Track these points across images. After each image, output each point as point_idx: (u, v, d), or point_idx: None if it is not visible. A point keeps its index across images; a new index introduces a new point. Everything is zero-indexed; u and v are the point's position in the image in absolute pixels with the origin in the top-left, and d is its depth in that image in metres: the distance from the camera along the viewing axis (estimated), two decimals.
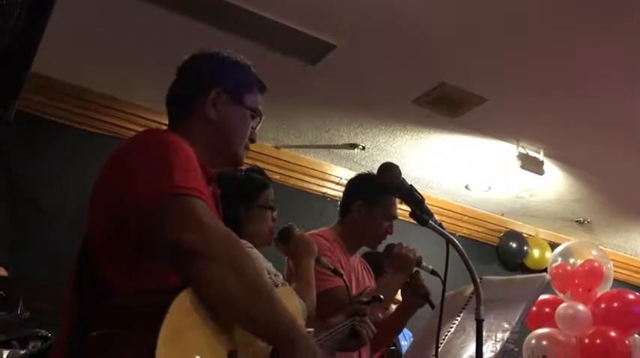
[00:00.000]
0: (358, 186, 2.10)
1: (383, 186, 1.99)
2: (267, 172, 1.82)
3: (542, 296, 3.24)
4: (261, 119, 1.29)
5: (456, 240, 1.38)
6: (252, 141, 1.28)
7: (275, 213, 1.68)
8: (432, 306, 1.87)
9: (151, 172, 0.99)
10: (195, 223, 0.93)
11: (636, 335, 3.10)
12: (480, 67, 3.32)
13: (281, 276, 1.60)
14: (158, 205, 0.93)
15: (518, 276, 2.03)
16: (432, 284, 1.87)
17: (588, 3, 2.77)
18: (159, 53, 3.16)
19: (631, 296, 3.15)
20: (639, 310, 3.12)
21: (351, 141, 4.21)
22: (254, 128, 1.28)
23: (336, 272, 1.73)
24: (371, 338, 1.55)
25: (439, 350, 1.64)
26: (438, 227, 1.36)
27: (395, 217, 2.05)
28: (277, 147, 4.35)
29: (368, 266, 2.16)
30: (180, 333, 0.87)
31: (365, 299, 1.56)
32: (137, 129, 2.57)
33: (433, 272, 1.85)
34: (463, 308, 1.66)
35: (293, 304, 1.27)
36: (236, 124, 1.23)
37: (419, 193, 1.39)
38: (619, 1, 2.73)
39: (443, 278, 1.51)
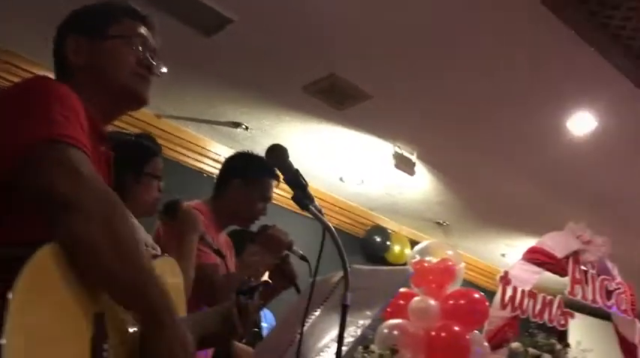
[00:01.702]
0: (239, 163, 2.09)
1: (269, 166, 2.03)
2: None
3: (400, 290, 3.43)
4: (145, 39, 1.20)
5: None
6: (146, 63, 1.18)
7: (162, 184, 1.61)
8: (298, 290, 1.90)
9: (28, 116, 0.91)
10: (70, 173, 0.86)
11: (476, 331, 3.38)
12: (371, 65, 3.43)
13: (159, 250, 1.54)
14: (32, 150, 0.86)
15: (385, 267, 2.13)
16: (301, 270, 1.90)
17: (472, 18, 2.96)
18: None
19: (476, 296, 3.43)
20: (482, 308, 3.41)
21: (236, 120, 4.17)
22: (142, 50, 1.18)
23: (218, 254, 1.70)
24: (243, 335, 1.45)
25: (303, 331, 1.68)
26: (318, 213, 1.40)
27: (270, 199, 2.06)
28: (158, 116, 4.21)
29: (232, 244, 2.15)
30: (38, 290, 0.80)
31: (253, 284, 1.47)
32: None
33: (303, 258, 1.88)
34: (330, 294, 1.72)
35: (174, 280, 1.21)
36: (106, 59, 1.14)
37: (303, 178, 1.42)
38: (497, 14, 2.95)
39: (315, 263, 1.54)
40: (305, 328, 1.72)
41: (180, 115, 4.22)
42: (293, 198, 1.40)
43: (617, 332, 4.33)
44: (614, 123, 3.71)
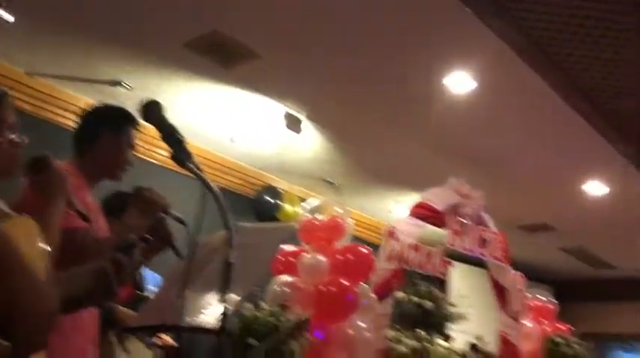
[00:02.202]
0: (102, 115, 2.03)
1: (129, 114, 1.98)
2: (16, 102, 1.59)
3: (289, 247, 3.48)
4: None
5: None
6: None
7: (19, 139, 1.42)
8: (177, 253, 1.86)
9: None
10: None
11: (363, 284, 3.51)
12: (255, 21, 3.37)
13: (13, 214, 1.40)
14: None
15: (270, 224, 2.14)
16: (184, 233, 1.85)
17: None
18: None
19: (364, 250, 3.55)
20: (369, 262, 3.54)
21: (117, 79, 3.98)
22: None
23: (85, 218, 1.62)
24: (115, 291, 1.31)
25: (187, 292, 1.66)
26: (196, 169, 1.37)
27: (134, 147, 2.04)
28: (30, 74, 3.92)
29: (102, 207, 2.08)
30: None
31: (131, 241, 1.37)
32: None
33: (179, 220, 1.84)
34: (214, 253, 1.71)
35: (30, 241, 1.08)
36: None
37: (180, 133, 1.38)
38: None
39: (196, 222, 1.51)
40: (189, 288, 1.70)
41: (55, 73, 3.95)
42: (171, 156, 1.36)
43: (492, 278, 4.65)
44: (491, 83, 3.91)
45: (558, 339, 4.41)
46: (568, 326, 4.83)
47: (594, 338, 6.35)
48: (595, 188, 5.32)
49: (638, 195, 5.30)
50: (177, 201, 2.01)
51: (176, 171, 1.74)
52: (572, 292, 7.94)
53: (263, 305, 2.98)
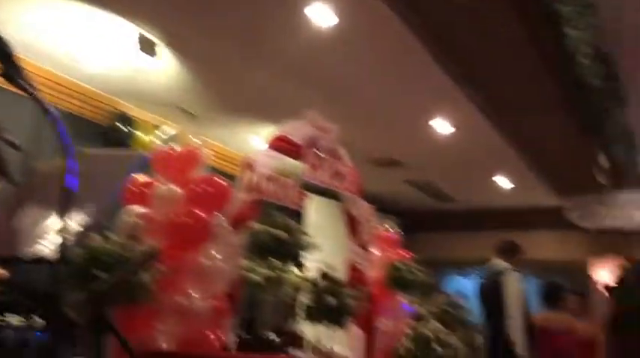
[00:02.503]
0: None
1: None
2: None
3: (141, 177, 3.35)
4: None
5: (60, 115, 1.28)
6: None
7: None
8: (11, 181, 1.71)
9: None
10: None
11: (219, 215, 3.49)
12: None
13: None
14: None
15: (118, 151, 2.03)
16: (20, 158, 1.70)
17: None
18: None
19: (220, 181, 3.51)
20: (226, 193, 3.52)
21: None
22: None
23: None
24: None
25: (22, 220, 1.55)
26: (29, 88, 1.24)
27: None
28: None
29: None
30: None
31: None
32: None
33: (12, 145, 1.68)
34: (51, 179, 1.59)
35: None
36: None
37: (10, 47, 1.23)
38: None
39: (32, 147, 1.39)
40: (24, 216, 1.58)
41: None
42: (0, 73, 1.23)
43: (345, 210, 4.84)
44: (351, 19, 3.95)
45: (400, 265, 4.73)
46: (411, 253, 5.19)
47: (434, 265, 6.93)
48: (442, 127, 5.66)
49: (479, 136, 5.73)
50: (14, 123, 1.83)
51: (12, 91, 1.57)
52: (416, 223, 8.54)
53: (112, 236, 2.86)
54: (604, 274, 8.05)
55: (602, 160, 5.75)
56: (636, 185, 6.79)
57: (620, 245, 8.16)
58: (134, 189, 3.33)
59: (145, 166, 3.32)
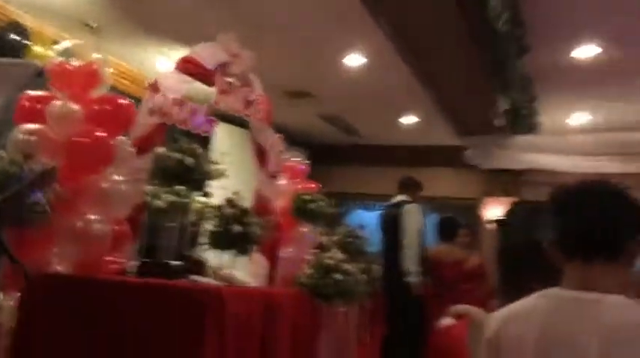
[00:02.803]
0: None
1: None
2: None
3: (36, 92, 3.13)
4: None
5: None
6: None
7: None
8: None
9: None
10: None
11: (122, 137, 3.35)
12: None
13: None
14: None
15: (8, 61, 1.86)
16: None
17: None
18: None
19: (123, 101, 3.35)
20: (128, 114, 3.37)
21: None
22: None
23: None
24: None
25: None
26: None
27: None
28: None
29: None
30: None
31: None
32: None
33: None
34: None
35: None
36: None
37: None
38: None
39: None
40: None
41: None
42: None
43: (253, 139, 4.80)
44: None
45: (306, 196, 4.80)
46: (317, 185, 5.27)
47: (339, 197, 7.09)
48: (354, 60, 5.66)
49: (390, 72, 5.79)
50: None
51: None
52: (324, 156, 8.64)
53: (2, 153, 2.68)
54: (494, 212, 8.59)
55: (501, 103, 6.01)
56: (529, 129, 7.18)
57: (510, 185, 8.70)
58: (28, 103, 3.11)
59: (40, 80, 3.10)
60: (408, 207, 5.18)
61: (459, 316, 1.63)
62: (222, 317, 2.67)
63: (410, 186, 5.47)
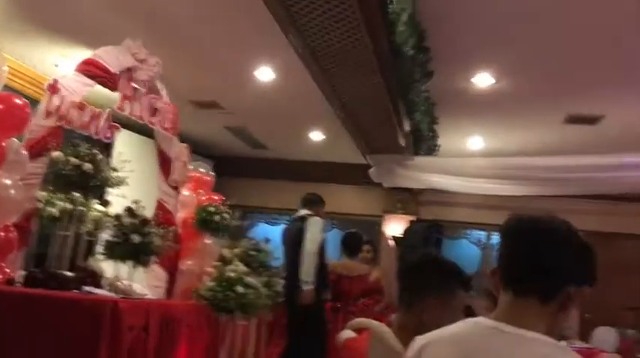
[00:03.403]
0: None
1: None
2: None
3: None
4: None
5: None
6: None
7: None
8: None
9: None
10: None
11: (14, 139, 3.17)
12: None
13: None
14: None
15: None
16: None
17: None
18: None
19: (17, 101, 3.18)
20: (23, 115, 3.19)
21: None
22: None
23: None
24: None
25: None
26: None
27: None
28: None
29: None
30: None
31: None
32: None
33: None
34: None
35: None
36: None
37: None
38: None
39: None
40: None
41: None
42: None
43: (158, 148, 4.69)
44: None
45: (209, 208, 4.75)
46: (222, 197, 5.22)
47: (244, 210, 7.05)
48: (264, 73, 5.68)
49: (299, 88, 5.85)
50: None
51: None
52: (230, 167, 8.57)
53: None
54: (394, 229, 8.87)
55: (406, 125, 6.23)
56: (429, 151, 7.49)
57: (409, 203, 9.03)
58: None
59: None
60: (311, 219, 5.24)
61: (359, 329, 1.65)
62: (118, 329, 2.57)
63: (313, 202, 5.53)
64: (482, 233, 9.21)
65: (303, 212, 5.43)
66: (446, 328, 1.38)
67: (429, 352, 1.34)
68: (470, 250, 9.15)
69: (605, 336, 7.22)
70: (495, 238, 9.02)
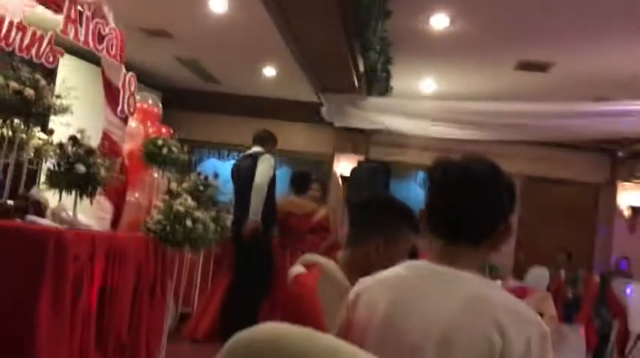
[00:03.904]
0: None
1: None
2: None
3: None
4: None
5: None
6: None
7: None
8: None
9: None
10: None
11: None
12: None
13: None
14: None
15: None
16: None
17: None
18: None
19: None
20: None
21: None
22: None
23: None
24: None
25: None
26: None
27: None
28: None
29: None
30: None
31: None
32: None
33: None
34: None
35: None
36: None
37: None
38: None
39: None
40: None
41: None
42: None
43: (104, 76, 4.52)
44: None
45: (158, 141, 4.65)
46: (171, 130, 5.12)
47: (192, 144, 6.95)
48: (217, 4, 5.49)
49: (253, 22, 5.69)
50: None
51: None
52: (179, 100, 8.39)
53: None
54: (343, 168, 8.95)
55: (360, 65, 6.19)
56: (383, 92, 7.49)
57: (360, 144, 9.09)
58: None
59: None
60: (262, 157, 5.23)
61: (309, 265, 1.67)
62: (62, 260, 2.54)
63: (265, 139, 5.49)
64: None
65: (255, 149, 5.40)
66: (382, 273, 1.40)
67: (365, 297, 1.36)
68: (418, 192, 9.35)
69: (538, 276, 7.63)
70: None
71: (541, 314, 6.74)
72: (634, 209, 8.52)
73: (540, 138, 7.32)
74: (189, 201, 3.59)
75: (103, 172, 3.36)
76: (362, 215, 1.96)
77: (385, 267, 1.43)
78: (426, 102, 7.68)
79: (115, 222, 4.31)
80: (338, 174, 9.04)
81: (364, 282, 1.40)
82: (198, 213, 3.50)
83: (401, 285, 1.32)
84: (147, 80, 7.15)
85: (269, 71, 7.81)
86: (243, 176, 5.26)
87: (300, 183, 5.90)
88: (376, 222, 1.90)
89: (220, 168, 7.40)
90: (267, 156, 5.26)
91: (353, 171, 8.20)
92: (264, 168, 5.14)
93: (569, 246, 7.74)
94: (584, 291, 7.26)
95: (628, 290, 7.15)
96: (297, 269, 1.56)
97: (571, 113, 6.53)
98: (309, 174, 6.10)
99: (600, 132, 6.64)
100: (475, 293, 1.26)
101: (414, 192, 9.34)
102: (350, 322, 1.37)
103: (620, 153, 8.61)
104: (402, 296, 1.30)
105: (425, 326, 1.23)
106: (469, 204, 1.32)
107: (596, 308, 7.12)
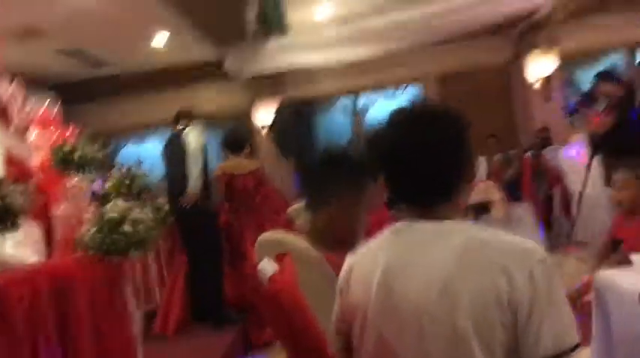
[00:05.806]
0: None
1: None
2: None
3: None
4: None
5: None
6: None
7: None
8: None
9: None
10: None
11: None
12: None
13: None
14: None
15: None
16: None
17: None
18: None
19: None
20: None
21: None
22: None
23: None
24: None
25: None
26: None
27: None
28: None
29: None
30: None
31: None
32: None
33: None
34: None
35: None
36: None
37: None
38: None
39: None
40: None
41: None
42: None
43: None
44: None
45: (66, 146, 4.32)
46: (77, 128, 4.77)
47: (105, 135, 6.56)
48: None
49: None
50: None
51: None
52: (77, 94, 7.88)
53: None
54: (265, 117, 8.74)
55: (253, 8, 5.94)
56: (280, 31, 7.24)
57: (275, 88, 8.86)
58: None
59: None
60: (187, 130, 5.11)
61: (278, 256, 1.53)
62: (8, 306, 2.34)
63: (183, 116, 5.36)
64: (349, 100, 9.31)
65: (179, 127, 5.28)
66: (370, 242, 1.36)
67: (357, 269, 1.33)
68: (341, 120, 9.31)
69: (478, 167, 7.83)
70: (363, 101, 9.20)
71: (491, 202, 6.97)
72: (545, 79, 8.75)
73: (448, 34, 7.34)
74: (120, 203, 3.36)
75: (19, 200, 3.08)
76: (317, 175, 1.85)
77: (351, 227, 1.38)
78: (325, 30, 7.50)
79: (49, 241, 4.04)
80: (260, 126, 8.83)
81: (355, 256, 1.36)
82: (134, 214, 3.28)
83: (394, 250, 1.27)
84: (35, 82, 6.64)
85: (160, 40, 7.39)
86: (174, 155, 5.14)
87: (233, 143, 5.66)
88: (334, 181, 1.79)
89: (142, 152, 7.09)
90: (193, 131, 5.17)
91: (275, 118, 8.05)
92: (194, 139, 5.05)
93: (495, 130, 7.94)
94: (520, 169, 7.55)
95: (562, 155, 7.47)
96: (267, 266, 1.43)
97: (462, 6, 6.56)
98: (240, 131, 5.96)
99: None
100: (472, 240, 1.22)
101: (337, 121, 9.29)
102: (347, 303, 1.33)
103: (518, 30, 8.74)
104: (397, 261, 1.25)
105: (425, 285, 1.19)
106: (429, 168, 1.27)
107: (537, 182, 7.43)
